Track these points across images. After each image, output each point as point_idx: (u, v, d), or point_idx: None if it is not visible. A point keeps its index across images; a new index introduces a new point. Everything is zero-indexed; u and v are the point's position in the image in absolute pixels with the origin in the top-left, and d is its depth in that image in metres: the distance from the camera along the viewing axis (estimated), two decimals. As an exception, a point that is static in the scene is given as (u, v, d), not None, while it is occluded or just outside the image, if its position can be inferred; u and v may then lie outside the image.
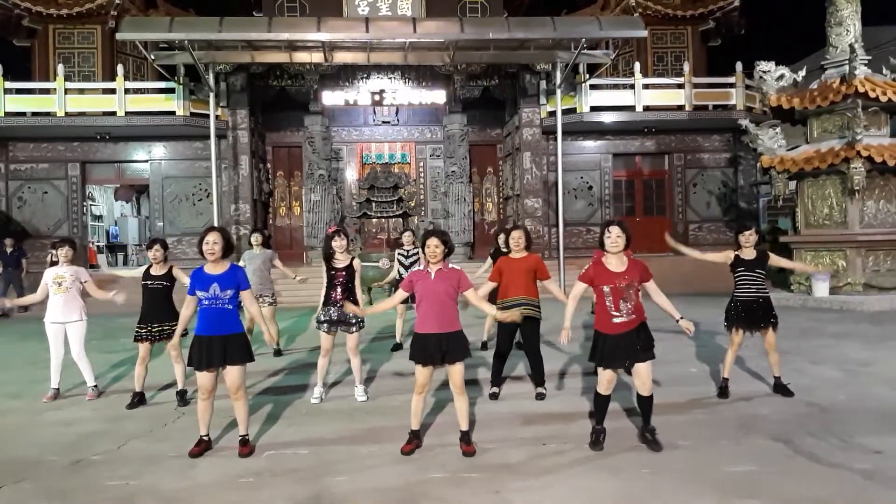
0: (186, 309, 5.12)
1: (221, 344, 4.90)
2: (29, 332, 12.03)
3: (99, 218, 23.33)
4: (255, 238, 9.14)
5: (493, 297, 6.55)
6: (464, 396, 4.95)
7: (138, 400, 6.51)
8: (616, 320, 4.73)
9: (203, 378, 4.93)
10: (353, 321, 6.49)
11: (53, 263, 6.99)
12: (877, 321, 11.05)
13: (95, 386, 7.02)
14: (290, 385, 7.30)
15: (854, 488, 4.10)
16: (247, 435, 5.06)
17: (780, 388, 6.31)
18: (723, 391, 6.31)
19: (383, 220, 18.18)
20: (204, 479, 4.50)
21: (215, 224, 16.88)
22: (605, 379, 4.89)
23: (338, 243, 6.48)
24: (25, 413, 6.35)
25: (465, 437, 4.93)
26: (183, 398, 6.56)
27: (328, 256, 6.48)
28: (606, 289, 4.76)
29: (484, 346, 9.16)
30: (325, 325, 6.47)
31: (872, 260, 13.50)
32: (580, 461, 4.68)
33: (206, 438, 5.04)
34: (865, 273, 13.41)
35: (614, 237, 4.81)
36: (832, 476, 4.29)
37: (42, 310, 6.98)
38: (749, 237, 6.30)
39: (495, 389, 6.45)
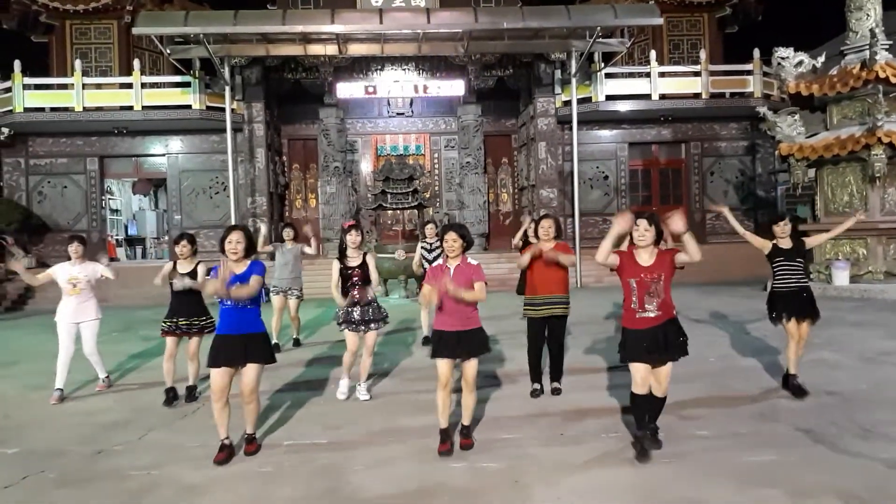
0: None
1: (242, 343, 4.79)
2: (51, 324, 12.15)
3: (117, 212, 23.52)
4: (287, 233, 9.24)
5: (520, 287, 6.56)
6: (473, 393, 4.92)
7: (172, 395, 6.35)
8: (641, 315, 4.54)
9: (218, 377, 4.73)
10: (378, 318, 6.32)
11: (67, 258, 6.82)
12: (898, 310, 10.91)
13: (108, 377, 7.10)
14: (311, 378, 7.35)
15: (876, 477, 4.06)
16: (254, 434, 4.98)
17: (796, 388, 5.91)
18: (798, 389, 5.86)
19: (398, 211, 18.19)
20: (223, 470, 4.54)
21: (232, 218, 17.04)
22: (639, 376, 4.55)
23: (352, 238, 6.22)
24: (48, 404, 6.43)
25: (466, 432, 4.93)
26: (192, 394, 6.48)
27: (342, 251, 6.26)
28: (633, 282, 4.57)
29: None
30: (350, 325, 6.24)
31: (894, 248, 13.33)
32: (598, 452, 4.67)
33: (227, 443, 4.80)
34: (887, 261, 13.25)
35: (642, 230, 4.59)
36: (854, 465, 4.25)
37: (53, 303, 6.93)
38: (784, 227, 6.04)
39: (536, 386, 6.25)
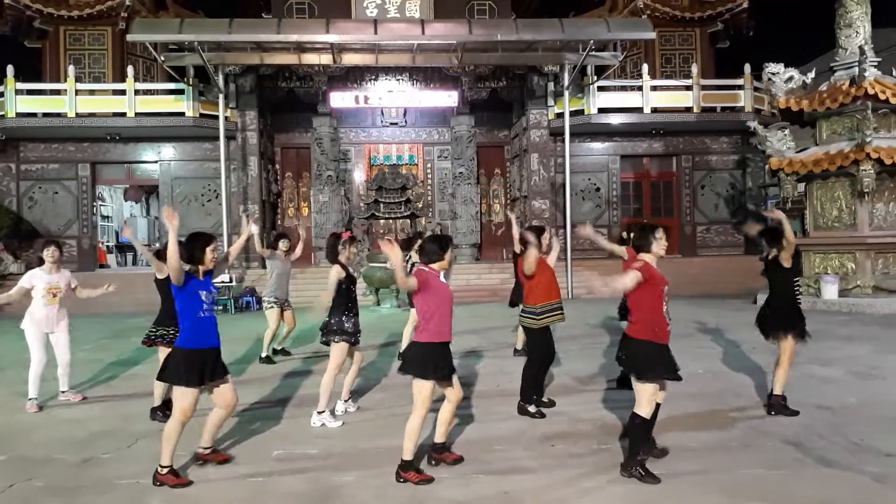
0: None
1: (217, 355, 4.63)
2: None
3: (108, 218, 23.44)
4: (284, 244, 9.05)
5: (518, 297, 6.58)
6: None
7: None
8: (668, 328, 4.43)
9: (193, 397, 4.45)
10: (359, 332, 6.08)
11: (40, 263, 6.62)
12: (886, 324, 10.98)
13: (72, 388, 6.92)
14: (298, 388, 7.32)
15: (864, 491, 4.08)
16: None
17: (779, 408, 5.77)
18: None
19: (391, 221, 18.20)
20: (213, 479, 4.52)
21: (224, 225, 17.00)
22: (654, 396, 4.38)
23: (354, 251, 6.12)
24: (35, 413, 6.38)
25: (447, 448, 4.82)
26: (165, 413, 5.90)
27: (343, 265, 5.92)
28: (663, 292, 4.41)
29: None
30: (345, 335, 5.85)
31: (882, 262, 13.43)
32: (589, 464, 4.67)
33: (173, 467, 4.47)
34: (875, 276, 13.34)
35: (665, 240, 4.58)
36: (842, 479, 4.27)
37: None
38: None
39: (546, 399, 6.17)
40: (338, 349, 5.84)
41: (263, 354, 8.73)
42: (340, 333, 5.83)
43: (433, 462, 4.67)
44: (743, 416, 5.73)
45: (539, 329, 5.91)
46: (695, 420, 5.61)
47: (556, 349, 6.26)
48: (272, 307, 8.75)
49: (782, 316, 5.90)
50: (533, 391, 5.95)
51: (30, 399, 6.45)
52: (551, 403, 6.14)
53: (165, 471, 4.37)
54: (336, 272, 5.88)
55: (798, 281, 6.10)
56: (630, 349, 4.46)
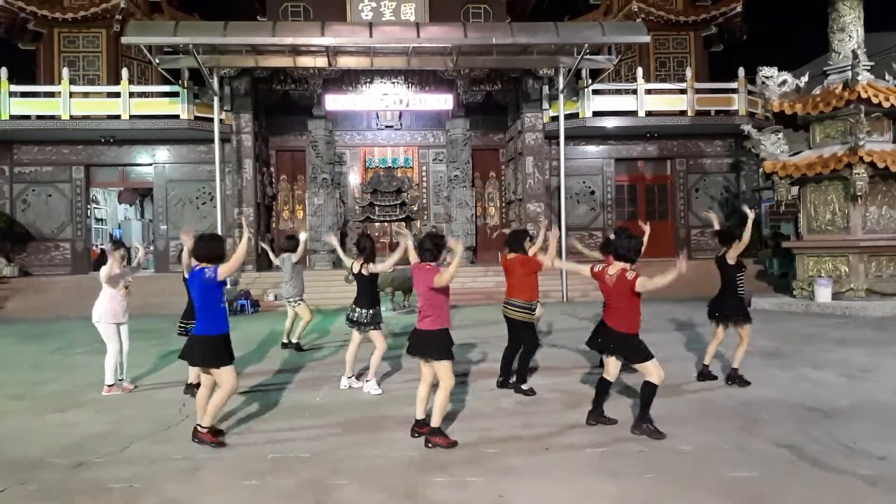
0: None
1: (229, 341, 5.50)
2: (30, 334, 12.06)
3: (102, 221, 23.37)
4: (293, 244, 9.78)
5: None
6: None
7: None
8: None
9: (234, 371, 5.41)
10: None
11: (102, 262, 7.45)
12: (880, 327, 11.03)
13: (133, 378, 7.63)
14: (296, 381, 7.32)
15: (857, 494, 4.10)
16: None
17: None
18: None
19: (386, 223, 18.22)
20: (208, 482, 4.51)
21: (219, 228, 16.98)
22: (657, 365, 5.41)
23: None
24: (28, 415, 6.37)
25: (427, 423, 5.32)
26: (194, 392, 6.50)
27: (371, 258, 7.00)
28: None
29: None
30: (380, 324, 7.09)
31: (875, 265, 13.50)
32: (581, 463, 4.69)
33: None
34: (868, 279, 13.40)
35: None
36: (835, 481, 4.29)
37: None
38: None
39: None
40: (380, 336, 7.04)
41: (301, 343, 9.82)
42: (375, 323, 7.01)
43: (415, 434, 5.34)
44: (736, 418, 5.74)
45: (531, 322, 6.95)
46: (686, 421, 5.62)
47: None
48: (300, 303, 9.67)
49: (726, 306, 7.03)
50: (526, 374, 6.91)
51: (109, 384, 7.11)
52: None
53: (205, 430, 5.24)
54: (381, 266, 6.94)
55: (742, 277, 7.06)
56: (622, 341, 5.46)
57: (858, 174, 12.94)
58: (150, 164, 19.10)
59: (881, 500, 4.02)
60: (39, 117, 17.39)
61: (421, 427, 5.29)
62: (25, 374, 8.32)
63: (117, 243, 7.41)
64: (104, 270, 7.01)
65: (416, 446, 5.14)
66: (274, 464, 4.84)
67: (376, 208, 16.82)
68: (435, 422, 5.14)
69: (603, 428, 5.51)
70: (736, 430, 5.41)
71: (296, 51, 16.58)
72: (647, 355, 5.32)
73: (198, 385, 6.52)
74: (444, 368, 5.16)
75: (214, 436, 5.26)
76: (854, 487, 4.19)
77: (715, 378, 7.07)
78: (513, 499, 4.14)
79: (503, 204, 21.74)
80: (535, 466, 4.68)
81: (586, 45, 16.26)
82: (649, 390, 5.32)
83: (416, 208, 19.75)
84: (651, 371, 5.31)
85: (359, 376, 7.40)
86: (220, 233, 16.76)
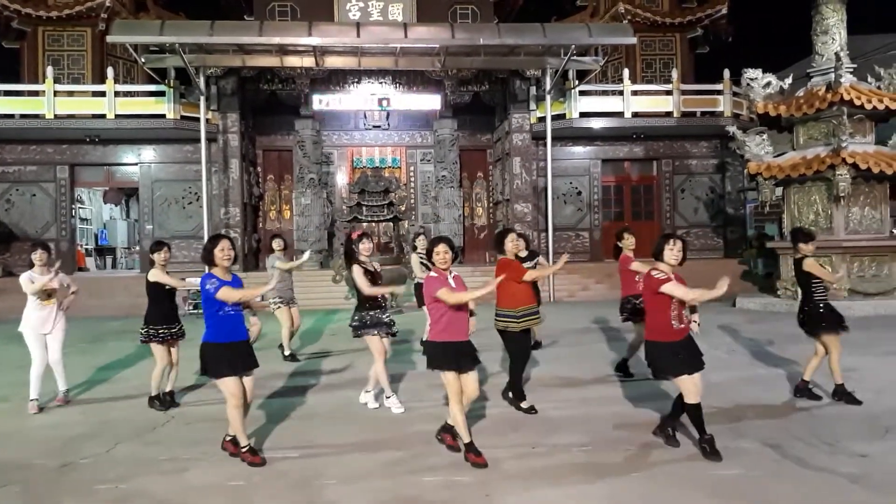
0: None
1: (245, 349, 4.97)
2: (13, 335, 11.89)
3: (87, 221, 23.18)
4: (278, 243, 9.31)
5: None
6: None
7: (170, 399, 6.59)
8: (678, 327, 4.91)
9: (237, 384, 4.82)
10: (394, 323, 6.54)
11: (30, 266, 6.55)
12: (862, 327, 11.10)
13: (67, 391, 6.87)
14: (288, 388, 7.30)
15: (840, 492, 4.16)
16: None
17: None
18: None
19: (374, 224, 18.17)
20: (195, 483, 4.50)
21: (205, 228, 16.91)
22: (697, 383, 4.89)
23: (365, 246, 6.33)
24: (13, 416, 6.31)
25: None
26: (173, 399, 6.60)
27: (356, 257, 6.23)
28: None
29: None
30: (381, 327, 6.26)
31: (857, 266, 13.63)
32: (570, 465, 4.71)
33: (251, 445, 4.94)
34: (851, 279, 13.53)
35: (677, 250, 4.97)
36: (819, 480, 4.34)
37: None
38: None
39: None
40: (376, 341, 6.21)
41: (287, 353, 8.96)
42: (375, 326, 6.20)
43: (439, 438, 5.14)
44: (723, 418, 5.79)
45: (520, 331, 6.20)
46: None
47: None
48: (279, 307, 8.98)
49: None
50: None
51: (31, 400, 6.47)
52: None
53: (245, 450, 4.84)
54: (360, 270, 6.15)
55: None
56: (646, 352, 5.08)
57: (841, 175, 13.07)
58: (136, 164, 18.95)
59: (863, 497, 4.07)
60: (23, 116, 17.22)
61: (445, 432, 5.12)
62: (10, 376, 8.22)
63: (36, 244, 6.68)
64: (23, 277, 6.44)
65: (402, 446, 5.15)
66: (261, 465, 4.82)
67: (364, 208, 16.77)
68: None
69: (590, 427, 5.54)
70: (722, 429, 5.45)
71: (283, 50, 16.54)
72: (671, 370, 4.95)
73: (159, 396, 6.53)
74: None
75: (253, 455, 4.86)
76: (837, 485, 4.25)
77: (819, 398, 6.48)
78: (499, 498, 4.16)
79: (491, 204, 21.78)
80: (522, 466, 4.71)
81: (573, 46, 16.33)
82: (690, 412, 4.96)
83: (403, 209, 19.71)
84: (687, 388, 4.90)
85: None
86: (206, 233, 16.71)
